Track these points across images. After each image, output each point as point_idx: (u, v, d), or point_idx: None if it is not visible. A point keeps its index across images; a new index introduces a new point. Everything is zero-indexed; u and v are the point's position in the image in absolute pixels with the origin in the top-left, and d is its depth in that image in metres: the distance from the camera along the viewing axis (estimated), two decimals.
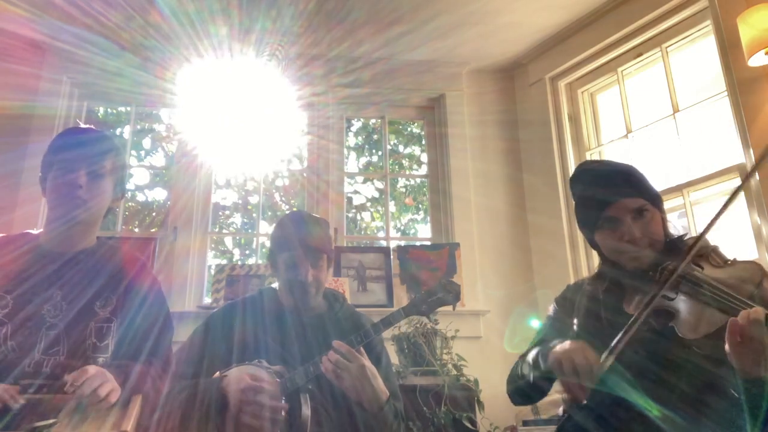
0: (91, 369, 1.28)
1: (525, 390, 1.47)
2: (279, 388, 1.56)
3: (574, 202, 1.53)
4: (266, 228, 4.41)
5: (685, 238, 1.40)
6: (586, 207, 1.46)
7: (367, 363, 1.57)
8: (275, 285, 1.89)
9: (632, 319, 1.19)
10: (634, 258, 1.35)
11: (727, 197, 1.24)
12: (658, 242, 1.36)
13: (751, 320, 1.04)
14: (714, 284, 1.17)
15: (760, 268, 1.22)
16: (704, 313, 1.16)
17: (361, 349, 1.59)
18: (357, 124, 5.05)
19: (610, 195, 1.38)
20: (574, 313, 1.47)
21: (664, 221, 1.42)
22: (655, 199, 1.42)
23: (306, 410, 1.55)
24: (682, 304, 1.21)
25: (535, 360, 1.36)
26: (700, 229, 1.24)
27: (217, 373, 1.63)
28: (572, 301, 1.50)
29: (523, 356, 1.48)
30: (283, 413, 1.51)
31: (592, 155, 3.13)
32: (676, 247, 1.36)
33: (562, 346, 1.26)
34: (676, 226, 1.48)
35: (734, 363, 1.09)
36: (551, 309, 1.58)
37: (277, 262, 1.78)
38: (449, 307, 1.72)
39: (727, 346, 1.08)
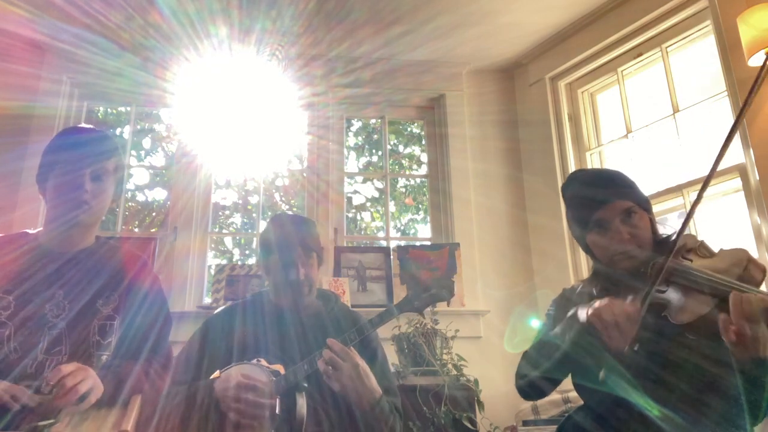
0: (68, 366, 1.26)
1: (536, 384, 1.47)
2: (274, 386, 1.56)
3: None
4: None
5: (674, 237, 1.42)
6: (576, 211, 1.48)
7: (361, 362, 1.57)
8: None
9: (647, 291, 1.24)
10: (626, 258, 1.37)
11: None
12: (647, 242, 1.39)
13: (746, 316, 1.06)
14: (700, 270, 1.21)
15: (745, 253, 1.25)
16: (694, 298, 1.20)
17: (352, 348, 1.59)
18: (357, 124, 5.04)
19: (599, 198, 1.41)
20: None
21: (652, 222, 1.45)
22: (643, 202, 1.45)
23: (302, 409, 1.55)
24: (672, 293, 1.25)
25: (565, 329, 1.38)
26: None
27: (217, 372, 1.63)
28: (570, 300, 1.52)
29: (527, 354, 1.49)
30: (276, 409, 1.51)
31: (592, 155, 3.13)
32: (665, 246, 1.38)
33: (595, 303, 1.28)
34: (666, 226, 1.50)
35: (734, 353, 1.12)
36: (550, 309, 1.59)
37: (268, 265, 1.79)
38: (445, 305, 1.72)
39: (725, 340, 1.11)
